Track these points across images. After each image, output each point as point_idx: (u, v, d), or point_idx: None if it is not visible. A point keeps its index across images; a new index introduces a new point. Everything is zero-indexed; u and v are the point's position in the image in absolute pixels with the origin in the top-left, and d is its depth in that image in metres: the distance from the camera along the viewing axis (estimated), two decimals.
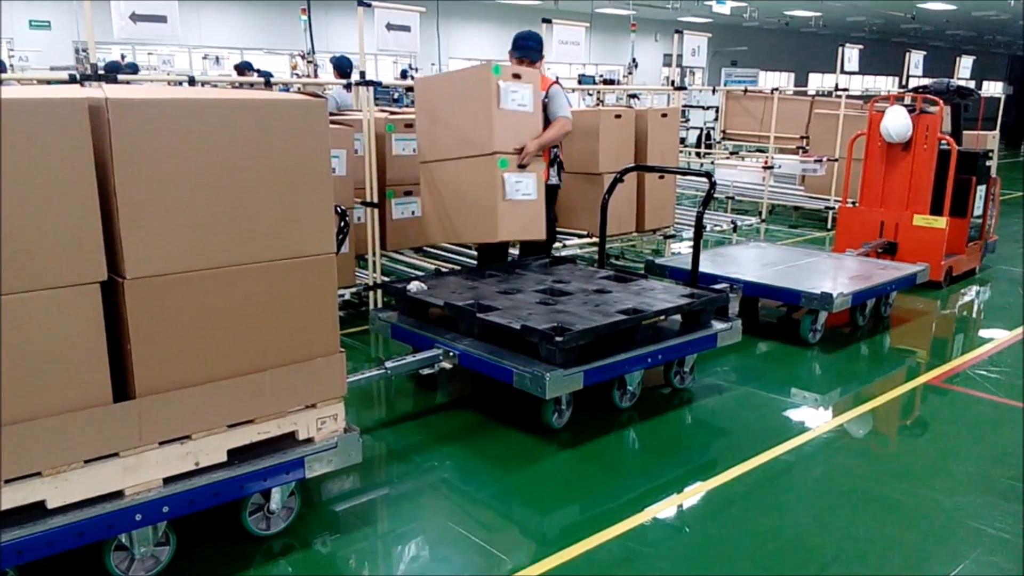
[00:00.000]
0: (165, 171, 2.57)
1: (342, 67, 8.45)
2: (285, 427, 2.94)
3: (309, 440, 3.00)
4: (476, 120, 4.86)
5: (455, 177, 5.10)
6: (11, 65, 13.50)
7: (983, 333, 6.16)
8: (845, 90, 9.92)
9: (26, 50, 15.55)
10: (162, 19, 4.47)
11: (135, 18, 4.37)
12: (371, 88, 5.56)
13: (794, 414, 4.48)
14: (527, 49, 5.35)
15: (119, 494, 2.60)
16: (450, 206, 5.19)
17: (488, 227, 4.89)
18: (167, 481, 2.68)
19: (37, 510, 2.47)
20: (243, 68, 11.96)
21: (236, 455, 2.84)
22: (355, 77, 5.78)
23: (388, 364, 4.02)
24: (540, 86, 5.05)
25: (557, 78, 5.75)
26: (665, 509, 3.41)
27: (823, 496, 3.57)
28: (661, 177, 7.12)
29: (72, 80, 4.49)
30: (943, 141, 6.88)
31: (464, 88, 4.99)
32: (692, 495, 3.55)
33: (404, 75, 18.31)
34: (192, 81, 5.60)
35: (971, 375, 5.07)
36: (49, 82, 5.34)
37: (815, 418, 4.44)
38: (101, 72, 4.41)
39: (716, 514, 3.43)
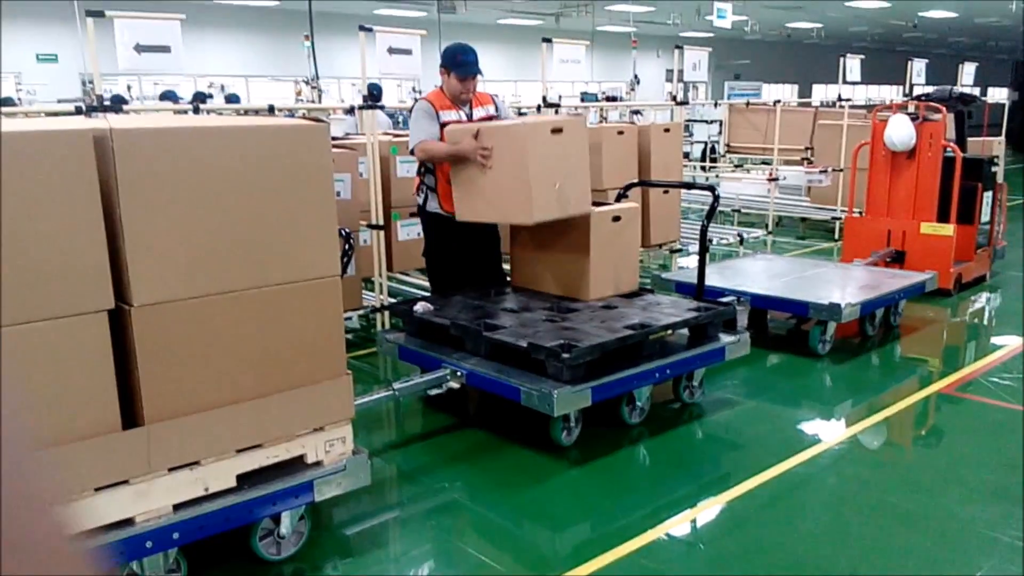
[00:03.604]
0: (170, 199, 2.59)
1: (371, 92, 8.61)
2: (293, 451, 2.94)
3: (318, 463, 3.00)
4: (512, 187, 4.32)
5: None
6: (19, 98, 13.67)
7: (995, 340, 6.12)
8: (848, 100, 9.92)
9: (34, 83, 15.73)
10: (166, 49, 4.52)
11: (139, 49, 4.43)
12: (374, 112, 5.60)
13: (806, 426, 4.45)
14: (470, 65, 4.66)
15: (129, 521, 2.60)
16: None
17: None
18: (177, 507, 2.69)
19: None
20: (168, 97, 12.02)
21: (245, 480, 2.84)
22: (358, 101, 5.83)
23: (396, 385, 4.02)
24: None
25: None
26: (679, 525, 3.38)
27: (837, 508, 3.54)
28: (666, 192, 7.13)
29: (78, 112, 4.54)
30: (947, 148, 6.87)
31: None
32: (705, 510, 3.53)
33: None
34: (196, 109, 5.65)
35: (984, 383, 5.03)
36: (56, 114, 5.41)
37: (827, 430, 4.41)
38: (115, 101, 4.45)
39: (731, 529, 3.40)
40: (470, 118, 4.76)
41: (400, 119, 14.97)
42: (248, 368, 2.82)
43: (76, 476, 2.48)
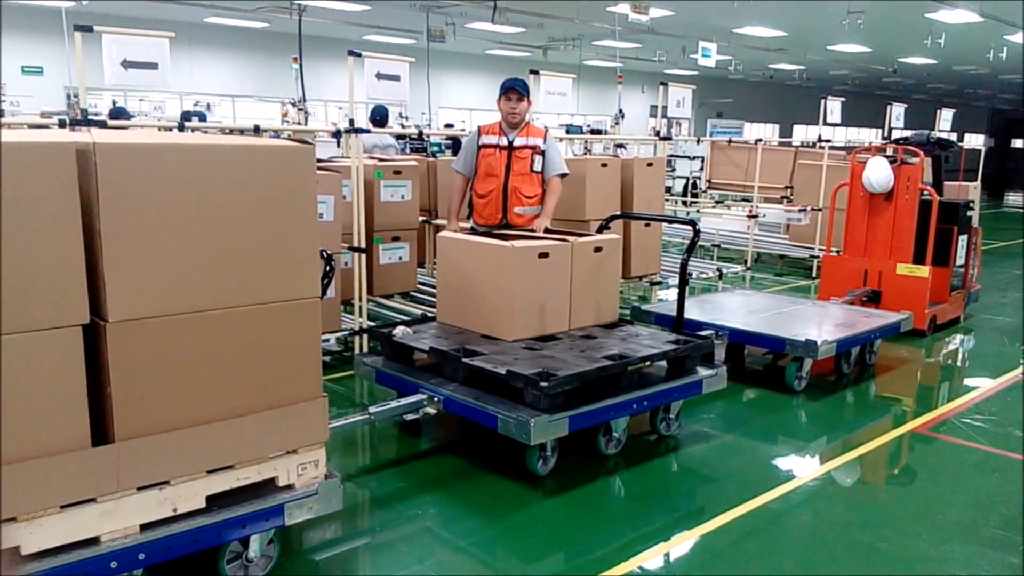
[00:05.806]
0: (150, 215, 2.58)
1: (374, 115, 8.56)
2: (265, 473, 2.91)
3: (289, 486, 2.97)
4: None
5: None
6: (1, 110, 13.57)
7: (968, 381, 6.19)
8: (828, 141, 10.09)
9: (18, 95, 15.64)
10: (153, 66, 4.52)
11: (126, 64, 4.42)
12: (359, 136, 5.62)
13: (781, 462, 4.46)
14: (513, 84, 5.17)
15: (95, 540, 2.55)
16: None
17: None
18: (144, 527, 2.64)
19: (11, 556, 2.42)
20: (119, 115, 11.84)
21: (215, 501, 2.79)
22: (344, 125, 5.84)
23: (372, 409, 4.00)
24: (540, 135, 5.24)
25: (546, 127, 5.68)
26: (652, 558, 3.37)
27: (810, 545, 3.54)
28: (647, 225, 7.18)
29: (62, 125, 4.52)
30: (924, 191, 6.99)
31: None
32: (679, 543, 3.51)
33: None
34: (182, 127, 5.64)
35: (956, 423, 5.08)
36: (39, 126, 5.37)
37: (802, 466, 4.42)
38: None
39: (704, 563, 3.39)
40: (511, 143, 5.15)
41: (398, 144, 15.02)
42: (222, 387, 2.79)
43: (43, 492, 2.44)
